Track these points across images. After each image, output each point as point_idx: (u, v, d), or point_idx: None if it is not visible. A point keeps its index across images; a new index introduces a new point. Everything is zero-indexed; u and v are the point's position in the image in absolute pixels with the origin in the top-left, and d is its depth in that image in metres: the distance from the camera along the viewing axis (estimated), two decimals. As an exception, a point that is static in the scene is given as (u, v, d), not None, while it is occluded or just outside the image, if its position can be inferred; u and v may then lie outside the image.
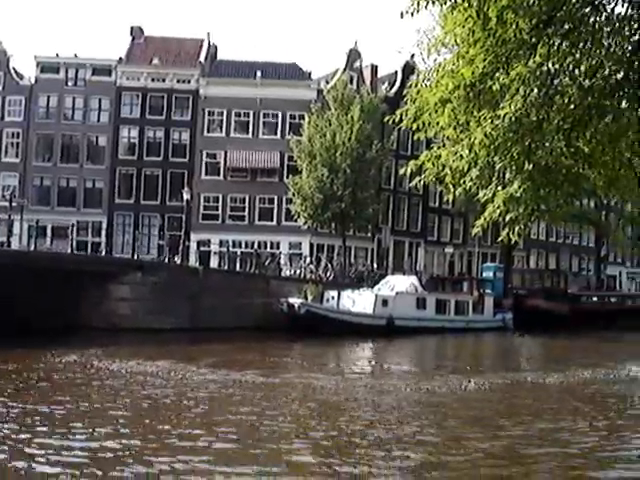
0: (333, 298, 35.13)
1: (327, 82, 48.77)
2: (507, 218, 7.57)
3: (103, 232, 47.63)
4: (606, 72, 6.81)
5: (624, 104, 6.98)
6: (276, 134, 48.84)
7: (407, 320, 34.40)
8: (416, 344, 31.85)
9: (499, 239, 9.03)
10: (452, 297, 38.72)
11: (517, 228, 7.67)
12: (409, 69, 48.44)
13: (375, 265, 47.71)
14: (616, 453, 11.79)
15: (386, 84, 52.72)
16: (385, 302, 34.55)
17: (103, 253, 42.70)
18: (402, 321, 34.10)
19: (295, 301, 33.21)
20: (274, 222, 48.15)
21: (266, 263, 38.79)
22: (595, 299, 52.15)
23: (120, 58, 49.81)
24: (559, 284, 46.49)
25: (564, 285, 47.12)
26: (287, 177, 44.73)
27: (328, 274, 40.18)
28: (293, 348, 28.22)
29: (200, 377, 18.09)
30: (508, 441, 12.36)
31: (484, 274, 47.81)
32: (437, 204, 54.70)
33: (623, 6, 6.98)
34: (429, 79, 7.57)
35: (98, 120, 49.51)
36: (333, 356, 26.45)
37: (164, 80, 49.24)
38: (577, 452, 11.70)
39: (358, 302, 34.40)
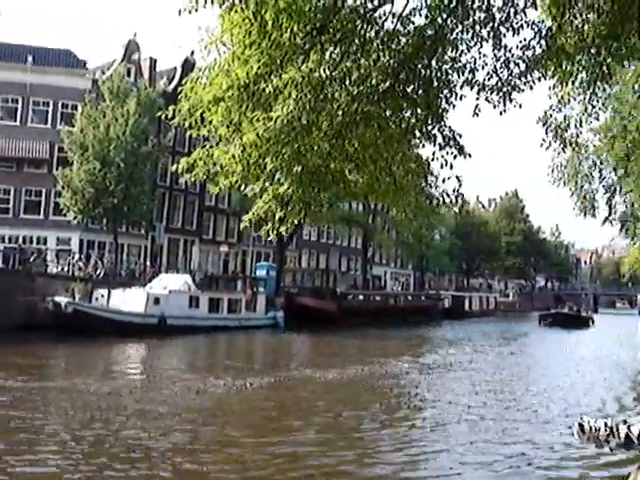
0: (103, 296, 33.98)
1: (103, 72, 47.08)
2: (277, 216, 7.69)
3: None
4: (374, 81, 7.10)
5: (388, 113, 7.32)
6: (46, 123, 46.24)
7: (180, 319, 34.13)
8: (189, 344, 31.59)
9: (260, 233, 9.16)
10: (225, 295, 38.97)
11: (286, 227, 7.82)
12: (189, 65, 48.06)
13: (149, 263, 46.80)
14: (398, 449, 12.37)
15: (165, 79, 51.96)
16: (157, 301, 34.01)
17: None
18: (174, 320, 33.75)
19: (62, 300, 31.63)
20: (41, 216, 45.52)
21: (31, 259, 36.65)
22: (361, 298, 55.03)
23: None
24: (328, 283, 48.37)
25: (333, 284, 49.14)
26: (57, 169, 42.46)
27: (98, 272, 38.81)
28: (58, 350, 26.75)
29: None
30: (285, 442, 12.49)
31: (257, 273, 48.64)
32: (213, 203, 54.82)
33: (392, 22, 7.32)
34: (205, 76, 7.47)
35: None
36: (101, 358, 25.46)
37: None
38: (369, 452, 12.19)
39: (129, 301, 33.50)
